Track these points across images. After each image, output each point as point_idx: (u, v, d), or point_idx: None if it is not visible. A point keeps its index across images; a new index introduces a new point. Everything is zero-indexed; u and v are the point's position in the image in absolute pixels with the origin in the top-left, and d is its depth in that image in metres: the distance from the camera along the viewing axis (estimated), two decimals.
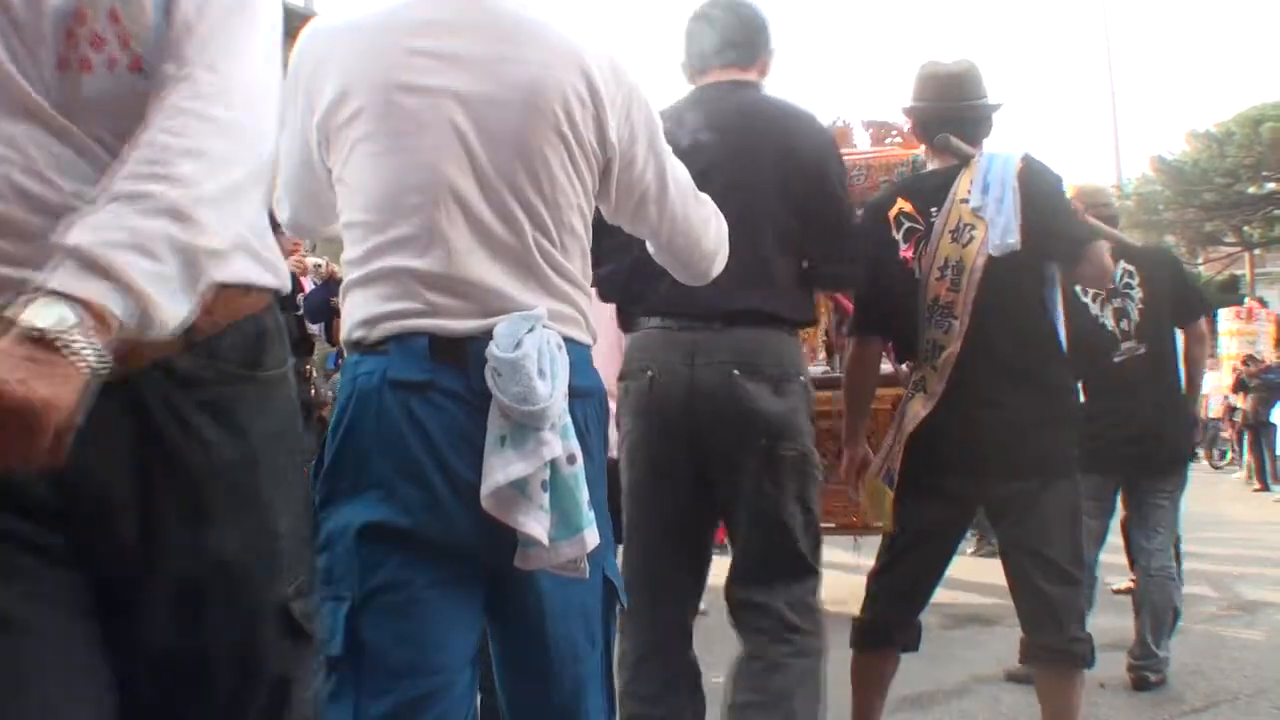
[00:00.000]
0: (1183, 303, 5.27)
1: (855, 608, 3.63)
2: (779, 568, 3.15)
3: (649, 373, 3.11)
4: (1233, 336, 22.69)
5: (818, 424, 6.38)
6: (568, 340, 2.00)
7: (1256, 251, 38.92)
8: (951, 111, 3.64)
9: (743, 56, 3.29)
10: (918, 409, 3.43)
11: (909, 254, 3.49)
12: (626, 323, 3.29)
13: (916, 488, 3.43)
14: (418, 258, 1.95)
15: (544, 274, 2.02)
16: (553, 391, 1.87)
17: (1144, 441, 4.99)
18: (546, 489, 1.87)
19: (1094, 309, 5.08)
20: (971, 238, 3.39)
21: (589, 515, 1.94)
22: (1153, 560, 5.10)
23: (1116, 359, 5.07)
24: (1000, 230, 3.34)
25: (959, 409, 3.36)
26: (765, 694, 3.09)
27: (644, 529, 3.20)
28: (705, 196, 2.40)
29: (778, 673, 3.09)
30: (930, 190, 3.56)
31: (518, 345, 1.87)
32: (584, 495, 1.93)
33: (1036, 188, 3.42)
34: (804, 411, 3.20)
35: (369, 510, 1.91)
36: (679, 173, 2.32)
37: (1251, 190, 34.84)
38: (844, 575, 7.55)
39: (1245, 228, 36.44)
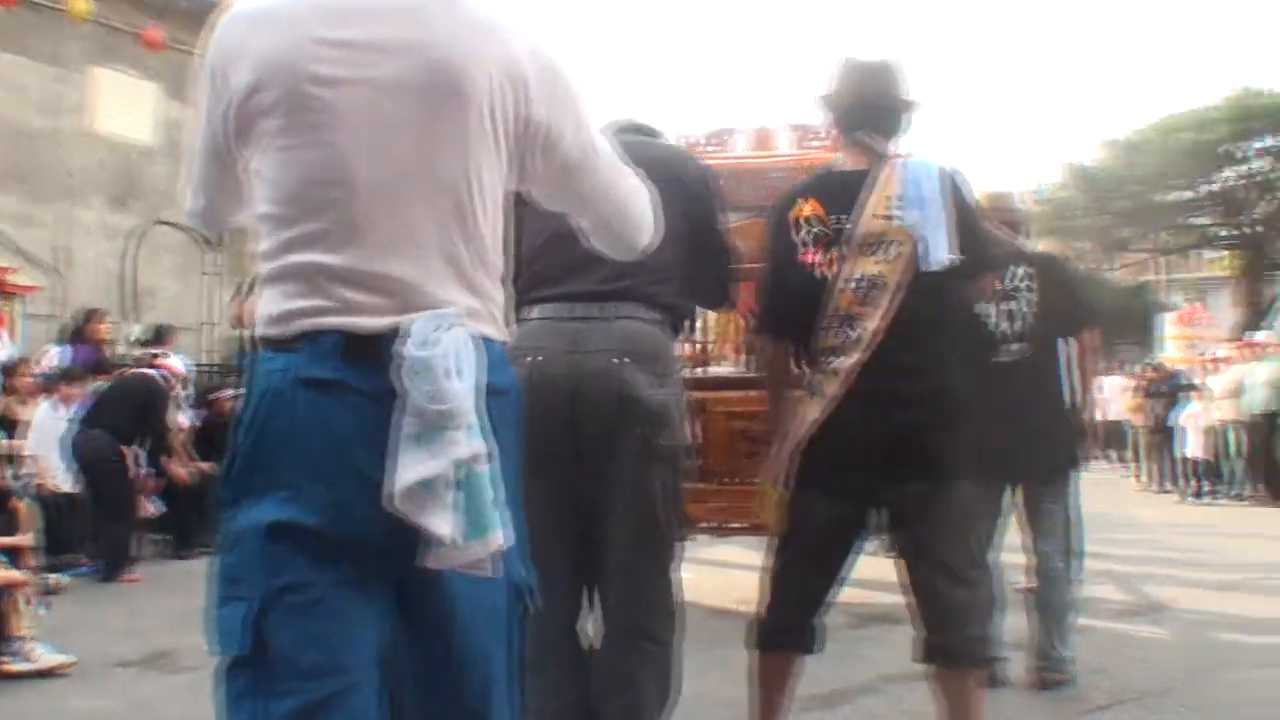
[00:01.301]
0: (1074, 312, 5.31)
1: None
2: (641, 562, 3.20)
3: (531, 358, 3.14)
4: (1176, 340, 23.22)
5: (731, 423, 6.45)
6: (481, 338, 1.97)
7: (1167, 258, 39.66)
8: (868, 103, 3.62)
9: None
10: (811, 412, 3.42)
11: (812, 258, 3.48)
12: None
13: (811, 489, 3.42)
14: (331, 253, 1.93)
15: (461, 267, 2.00)
16: (464, 390, 1.85)
17: (1027, 448, 5.00)
18: (456, 488, 1.85)
19: (981, 305, 5.08)
20: (891, 254, 3.39)
21: (499, 515, 1.91)
22: (1048, 562, 5.17)
23: (1001, 359, 5.08)
24: (934, 247, 3.34)
25: (853, 411, 3.37)
26: (618, 706, 3.18)
27: (528, 517, 3.20)
28: (631, 169, 2.39)
29: (631, 685, 3.18)
30: (838, 193, 3.54)
31: (431, 343, 1.85)
32: (494, 494, 1.91)
33: (955, 202, 3.42)
34: (679, 406, 3.28)
35: (277, 509, 1.88)
36: (604, 145, 2.30)
37: (1163, 198, 35.49)
38: (755, 575, 7.57)
39: (1157, 234, 37.12)
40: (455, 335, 1.88)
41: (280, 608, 1.87)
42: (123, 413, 9.42)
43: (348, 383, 1.89)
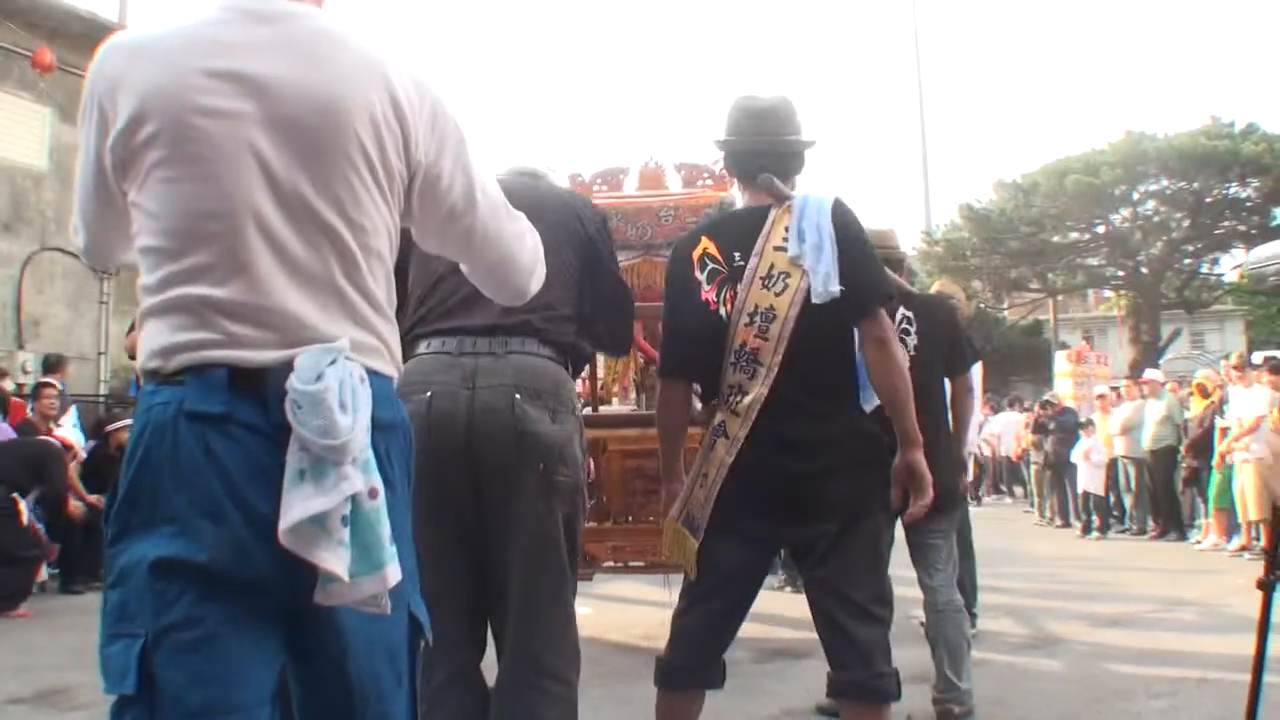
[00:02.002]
0: (954, 354, 5.38)
1: (664, 643, 3.59)
2: (543, 601, 3.17)
3: (428, 393, 3.11)
4: (1067, 378, 23.69)
5: (627, 462, 6.46)
6: (371, 372, 1.96)
7: (1059, 297, 40.46)
8: (764, 146, 3.63)
9: None
10: (721, 455, 3.41)
11: (710, 296, 3.48)
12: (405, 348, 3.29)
13: (718, 530, 3.41)
14: (217, 287, 1.91)
15: (349, 301, 2.00)
16: (354, 425, 1.85)
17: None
18: (347, 524, 1.84)
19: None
20: (785, 286, 3.39)
21: (391, 550, 1.90)
22: (938, 596, 5.17)
23: None
24: (822, 278, 3.33)
25: (760, 453, 3.36)
26: None
27: (425, 555, 3.17)
28: (518, 213, 2.38)
29: None
30: (735, 231, 3.56)
31: (319, 378, 1.85)
32: (386, 530, 1.89)
33: (844, 233, 3.42)
34: (578, 442, 3.27)
35: (163, 545, 1.85)
36: (489, 187, 2.29)
37: (1055, 239, 36.24)
38: (655, 610, 7.58)
39: (1049, 274, 37.87)
40: (342, 369, 1.88)
41: (168, 645, 1.84)
42: (16, 467, 9.32)
43: (235, 416, 1.87)
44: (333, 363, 1.88)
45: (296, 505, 1.80)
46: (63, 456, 9.72)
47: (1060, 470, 17.91)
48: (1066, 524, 17.70)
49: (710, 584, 3.47)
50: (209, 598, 1.85)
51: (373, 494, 1.88)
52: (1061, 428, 17.90)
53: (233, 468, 1.86)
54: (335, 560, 1.81)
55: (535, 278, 2.45)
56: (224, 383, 1.88)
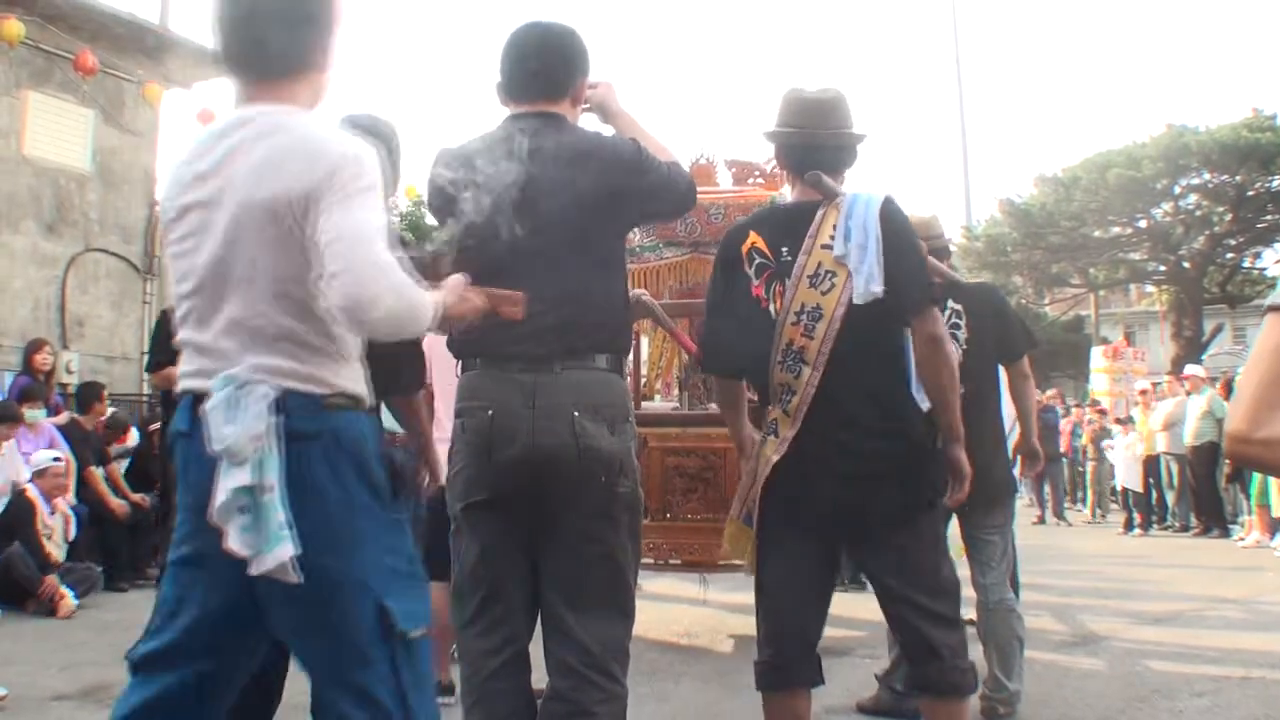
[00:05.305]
0: (1006, 340, 5.29)
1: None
2: (603, 603, 3.19)
3: (489, 411, 3.14)
4: (1103, 374, 23.57)
5: (667, 459, 6.45)
6: (289, 391, 2.45)
7: (1101, 293, 40.14)
8: (816, 139, 3.62)
9: (551, 89, 3.31)
10: (770, 454, 3.43)
11: (760, 292, 3.49)
12: (461, 363, 3.34)
13: (777, 528, 3.43)
14: (194, 330, 2.57)
15: (287, 337, 2.49)
16: (237, 434, 2.35)
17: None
18: (245, 511, 2.36)
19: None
20: (832, 285, 3.38)
21: (280, 534, 2.35)
22: (990, 594, 5.14)
23: None
24: (865, 279, 3.33)
25: (813, 452, 3.37)
26: None
27: (479, 562, 3.24)
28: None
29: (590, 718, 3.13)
30: (782, 225, 3.55)
31: (214, 398, 2.40)
32: (277, 516, 2.35)
33: (891, 232, 3.40)
34: (634, 450, 3.29)
35: (180, 544, 2.58)
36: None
37: (1097, 234, 35.92)
38: (693, 608, 7.58)
39: (1090, 269, 37.56)
40: (230, 392, 2.40)
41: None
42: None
43: (194, 431, 2.46)
44: (225, 387, 2.40)
45: (216, 496, 2.37)
46: (29, 511, 9.51)
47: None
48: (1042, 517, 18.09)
49: (778, 580, 3.49)
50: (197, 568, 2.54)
51: (267, 489, 2.35)
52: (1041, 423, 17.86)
53: (192, 472, 2.50)
54: (237, 539, 2.35)
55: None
56: (189, 405, 2.53)
